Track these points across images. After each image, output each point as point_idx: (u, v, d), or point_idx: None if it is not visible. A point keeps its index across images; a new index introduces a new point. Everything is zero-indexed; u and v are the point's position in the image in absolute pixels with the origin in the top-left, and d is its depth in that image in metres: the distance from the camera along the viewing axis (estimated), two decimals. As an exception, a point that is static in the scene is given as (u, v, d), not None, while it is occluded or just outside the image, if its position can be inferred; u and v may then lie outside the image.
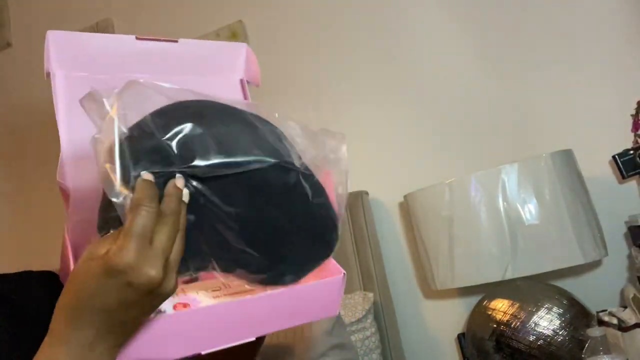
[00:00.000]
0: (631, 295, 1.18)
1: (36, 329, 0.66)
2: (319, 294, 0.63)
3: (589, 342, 1.00)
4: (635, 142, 1.37)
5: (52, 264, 0.81)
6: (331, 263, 0.63)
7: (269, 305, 0.60)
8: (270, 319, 0.61)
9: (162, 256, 0.48)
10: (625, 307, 1.19)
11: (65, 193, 0.60)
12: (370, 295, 1.46)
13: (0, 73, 2.24)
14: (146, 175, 0.48)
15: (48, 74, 0.63)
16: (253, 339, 0.60)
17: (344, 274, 0.63)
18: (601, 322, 1.19)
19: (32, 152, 2.16)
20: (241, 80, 0.79)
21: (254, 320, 0.60)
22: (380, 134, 1.65)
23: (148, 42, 0.68)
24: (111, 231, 0.50)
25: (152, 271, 0.47)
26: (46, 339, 0.50)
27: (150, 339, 0.54)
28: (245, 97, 0.78)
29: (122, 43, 0.67)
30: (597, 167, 1.42)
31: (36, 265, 0.79)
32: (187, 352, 0.56)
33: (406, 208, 1.42)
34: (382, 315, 1.49)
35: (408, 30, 1.64)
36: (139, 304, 0.49)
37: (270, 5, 1.81)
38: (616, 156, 1.31)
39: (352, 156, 1.86)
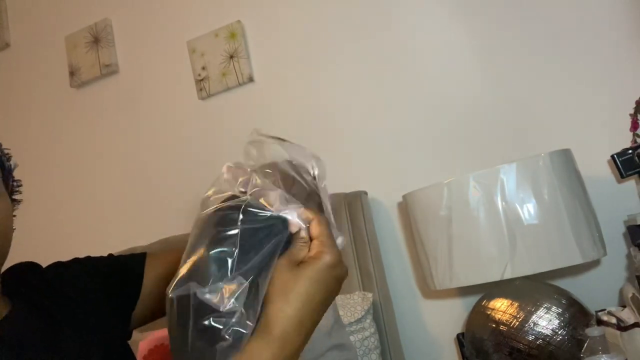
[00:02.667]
0: (630, 295, 1.18)
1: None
2: None
3: (587, 341, 1.00)
4: (634, 141, 1.37)
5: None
6: None
7: None
8: None
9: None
10: (624, 307, 1.19)
11: None
12: (370, 295, 1.45)
13: (-2, 74, 2.24)
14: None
15: None
16: None
17: None
18: (600, 322, 1.19)
19: (30, 152, 2.16)
20: None
21: None
22: (379, 134, 1.65)
23: None
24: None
25: (344, 264, 0.61)
26: (264, 343, 0.56)
27: None
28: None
29: None
30: (596, 166, 1.42)
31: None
32: None
33: (405, 208, 1.41)
34: (382, 315, 1.49)
35: (407, 30, 1.64)
36: (334, 296, 0.62)
37: (268, 5, 1.81)
38: (615, 155, 1.31)
39: (352, 156, 1.86)
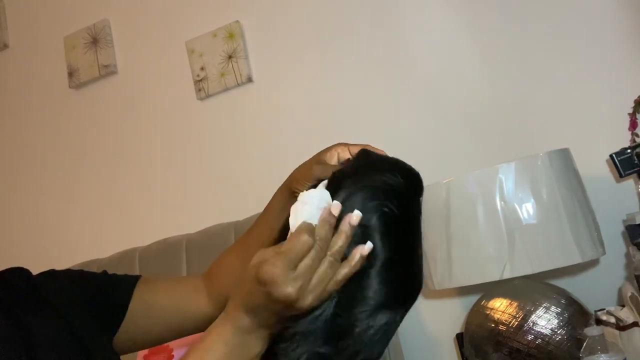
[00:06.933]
0: (629, 294, 1.18)
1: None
2: None
3: (586, 341, 1.00)
4: (633, 140, 1.37)
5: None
6: None
7: None
8: None
9: (301, 279, 0.57)
10: (623, 306, 1.19)
11: None
12: (369, 295, 1.45)
13: (-3, 75, 2.24)
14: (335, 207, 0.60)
15: None
16: None
17: None
18: (599, 321, 1.19)
19: (29, 153, 2.16)
20: None
21: None
22: (377, 134, 1.65)
23: None
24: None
25: (289, 289, 0.56)
26: (220, 318, 0.63)
27: None
28: None
29: None
30: (595, 165, 1.42)
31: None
32: None
33: (404, 208, 1.41)
34: (381, 315, 1.49)
35: (407, 30, 1.64)
36: (278, 312, 0.59)
37: (267, 5, 1.80)
38: (613, 155, 1.31)
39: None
